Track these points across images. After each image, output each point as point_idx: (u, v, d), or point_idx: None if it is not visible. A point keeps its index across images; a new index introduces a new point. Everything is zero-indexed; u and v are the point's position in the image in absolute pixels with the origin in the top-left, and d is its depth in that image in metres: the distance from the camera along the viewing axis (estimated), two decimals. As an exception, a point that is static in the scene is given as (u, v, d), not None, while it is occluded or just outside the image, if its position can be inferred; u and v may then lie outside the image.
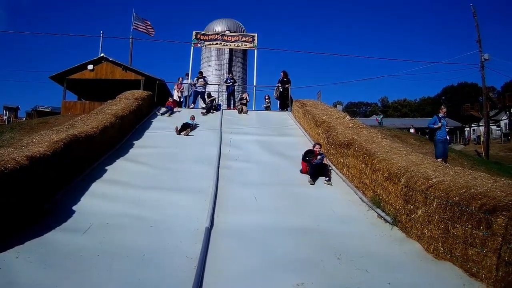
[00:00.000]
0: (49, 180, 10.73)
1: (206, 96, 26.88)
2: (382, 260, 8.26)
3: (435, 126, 17.57)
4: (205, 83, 25.74)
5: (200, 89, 25.55)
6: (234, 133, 20.16)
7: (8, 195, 8.57)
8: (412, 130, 32.19)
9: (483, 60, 40.90)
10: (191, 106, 25.81)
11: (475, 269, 7.17)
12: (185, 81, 29.28)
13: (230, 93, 30.27)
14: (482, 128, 68.66)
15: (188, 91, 28.80)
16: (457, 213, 7.61)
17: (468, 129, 79.00)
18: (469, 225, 7.30)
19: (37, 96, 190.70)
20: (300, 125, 22.33)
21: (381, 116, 31.91)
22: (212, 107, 25.40)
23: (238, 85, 36.77)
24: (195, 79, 26.30)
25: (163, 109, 25.11)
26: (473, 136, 74.14)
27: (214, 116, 24.30)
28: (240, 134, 20.13)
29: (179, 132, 19.66)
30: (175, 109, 25.56)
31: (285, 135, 20.62)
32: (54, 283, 6.95)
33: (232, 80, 27.93)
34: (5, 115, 67.21)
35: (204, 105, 26.96)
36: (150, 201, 11.39)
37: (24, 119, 59.75)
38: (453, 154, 20.05)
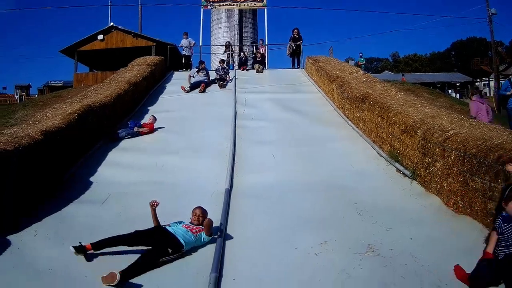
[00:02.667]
0: (65, 152, 10.70)
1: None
2: (403, 215, 8.20)
3: (508, 93, 14.99)
4: (207, 73, 22.46)
5: (203, 79, 21.85)
6: (248, 92, 20.03)
7: (24, 172, 8.55)
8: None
9: (490, 14, 40.39)
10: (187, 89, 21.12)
11: (495, 223, 7.09)
12: (183, 40, 28.84)
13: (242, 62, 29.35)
14: (492, 83, 68.09)
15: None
16: (475, 166, 7.49)
17: (478, 83, 78.03)
18: (488, 177, 7.16)
19: (48, 72, 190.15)
20: (314, 81, 22.17)
21: (363, 59, 30.25)
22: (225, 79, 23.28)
23: (251, 43, 36.52)
24: (195, 71, 22.63)
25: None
26: (484, 90, 73.39)
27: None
28: (254, 93, 20.02)
29: (189, 90, 20.69)
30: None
31: (300, 92, 20.46)
32: (73, 257, 6.91)
33: (224, 70, 23.59)
34: (17, 94, 67.18)
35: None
36: (167, 167, 11.35)
37: (36, 96, 59.66)
38: (466, 108, 19.71)
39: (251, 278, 6.35)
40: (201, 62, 23.23)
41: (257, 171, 10.97)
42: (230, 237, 7.62)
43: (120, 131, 10.82)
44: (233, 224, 8.13)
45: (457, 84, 71.39)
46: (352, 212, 8.41)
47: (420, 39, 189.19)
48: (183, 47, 28.78)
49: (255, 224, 8.18)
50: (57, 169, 10.07)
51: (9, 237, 7.38)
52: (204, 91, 20.13)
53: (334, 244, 7.11)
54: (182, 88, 20.68)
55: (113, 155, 12.31)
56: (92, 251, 6.82)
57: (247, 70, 26.68)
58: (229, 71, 24.84)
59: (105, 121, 14.10)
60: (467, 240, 6.98)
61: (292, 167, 11.12)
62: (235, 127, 14.55)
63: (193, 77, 21.81)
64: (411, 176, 9.91)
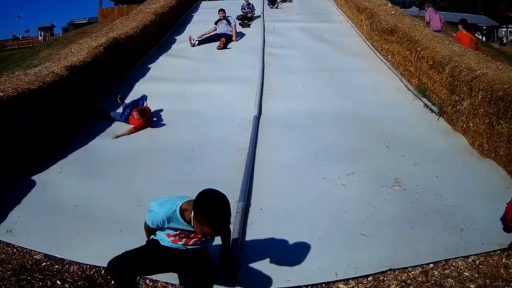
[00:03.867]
0: (91, 86, 10.76)
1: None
2: (429, 152, 8.15)
3: None
4: (229, 23, 17.73)
5: (224, 31, 17.17)
6: (276, 21, 19.90)
7: (50, 110, 8.61)
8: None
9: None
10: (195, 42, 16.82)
11: (519, 172, 7.04)
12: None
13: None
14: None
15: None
16: (502, 109, 7.35)
17: (505, 29, 76.41)
18: None
19: (72, 11, 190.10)
20: (343, 12, 21.80)
21: None
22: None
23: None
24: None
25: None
26: (510, 37, 71.89)
27: (256, 4, 23.14)
28: (282, 22, 19.87)
29: (198, 43, 16.81)
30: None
31: (328, 22, 20.16)
32: (99, 192, 6.99)
33: (249, 6, 20.78)
34: (40, 36, 67.10)
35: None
36: (196, 95, 11.36)
37: (60, 35, 59.54)
38: (492, 51, 19.43)
39: (278, 208, 6.41)
40: (221, 10, 17.99)
41: (286, 99, 10.96)
42: (258, 166, 7.67)
43: (112, 113, 10.11)
44: (260, 152, 8.19)
45: (484, 27, 69.89)
46: (379, 144, 8.42)
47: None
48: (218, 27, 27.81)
49: (283, 153, 8.23)
50: (83, 103, 10.15)
51: (34, 177, 7.47)
52: (224, 47, 16.31)
53: (361, 175, 7.16)
54: (190, 40, 16.52)
55: (139, 85, 12.34)
56: None
57: (277, 7, 24.28)
58: (254, 8, 21.15)
59: (132, 52, 14.09)
60: (490, 185, 6.92)
61: (320, 96, 11.09)
62: (263, 55, 14.52)
63: (215, 30, 17.36)
64: (438, 112, 9.83)
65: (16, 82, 8.28)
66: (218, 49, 15.79)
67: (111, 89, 11.82)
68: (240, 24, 19.13)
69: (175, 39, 17.67)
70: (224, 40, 16.23)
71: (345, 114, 9.98)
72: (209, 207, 3.64)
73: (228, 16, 17.59)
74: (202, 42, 16.63)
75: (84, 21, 62.13)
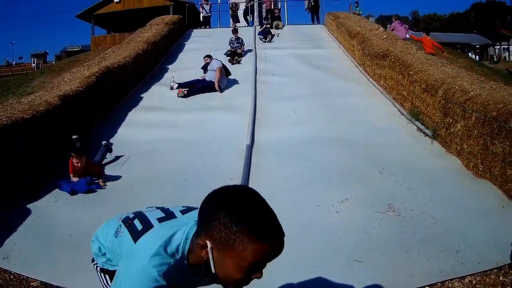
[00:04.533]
0: (84, 115, 10.77)
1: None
2: (423, 175, 8.17)
3: None
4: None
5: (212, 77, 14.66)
6: (268, 48, 20.03)
7: (43, 139, 8.68)
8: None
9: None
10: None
11: (514, 190, 7.07)
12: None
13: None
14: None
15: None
16: (496, 129, 7.38)
17: (498, 47, 77.07)
18: (508, 142, 7.07)
19: (65, 38, 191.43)
20: (334, 37, 21.95)
21: (359, 9, 28.67)
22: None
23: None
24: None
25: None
26: (503, 54, 72.35)
27: (247, 33, 23.76)
28: (274, 49, 19.94)
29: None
30: None
31: (320, 48, 20.26)
32: (95, 221, 6.89)
33: (238, 41, 19.61)
34: (34, 63, 67.35)
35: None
36: (188, 124, 11.43)
37: (53, 63, 59.69)
38: (485, 70, 19.60)
39: None
40: (207, 56, 16.05)
41: (278, 126, 11.00)
42: None
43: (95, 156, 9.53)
44: (254, 180, 8.15)
45: (477, 46, 70.47)
46: (373, 169, 8.43)
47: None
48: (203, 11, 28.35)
49: (277, 180, 8.20)
50: (77, 132, 10.01)
51: (30, 205, 7.46)
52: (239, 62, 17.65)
53: (355, 201, 7.15)
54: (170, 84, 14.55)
55: (132, 114, 12.38)
56: None
57: (270, 41, 22.37)
58: (244, 43, 19.58)
59: (125, 81, 14.13)
60: (486, 205, 6.95)
61: (313, 122, 11.11)
62: (255, 82, 14.58)
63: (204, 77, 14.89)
64: (431, 135, 9.89)
65: (10, 110, 8.36)
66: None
67: (103, 119, 11.82)
68: (229, 61, 17.76)
69: (168, 68, 17.68)
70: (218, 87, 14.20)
71: (339, 139, 9.99)
72: (254, 216, 2.15)
73: (214, 59, 15.07)
74: (192, 93, 13.94)
75: (77, 49, 62.21)
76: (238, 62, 17.90)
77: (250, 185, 7.77)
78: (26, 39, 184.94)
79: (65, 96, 9.93)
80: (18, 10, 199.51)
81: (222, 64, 14.75)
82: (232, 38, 19.41)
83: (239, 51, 18.77)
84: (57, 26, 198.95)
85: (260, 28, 23.82)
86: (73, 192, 7.90)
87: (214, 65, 14.47)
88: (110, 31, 40.49)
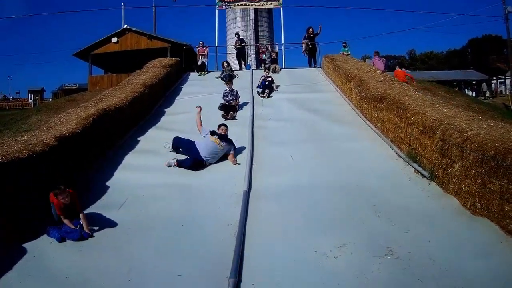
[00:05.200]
0: (80, 157, 10.73)
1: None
2: (421, 216, 8.22)
3: None
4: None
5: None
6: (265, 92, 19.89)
7: (38, 179, 8.59)
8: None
9: (506, 12, 40.50)
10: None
11: (511, 226, 7.05)
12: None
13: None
14: (508, 81, 67.64)
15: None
16: (493, 168, 7.42)
17: (495, 81, 77.70)
18: (506, 179, 7.09)
19: (62, 75, 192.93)
20: (331, 80, 22.09)
21: (347, 49, 28.15)
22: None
23: (267, 44, 36.47)
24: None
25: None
26: (500, 88, 72.82)
27: (245, 76, 23.98)
28: (272, 93, 20.01)
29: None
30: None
31: (317, 91, 20.40)
32: (91, 264, 6.99)
33: (232, 93, 17.77)
34: (31, 99, 67.98)
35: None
36: (185, 169, 11.32)
37: (50, 100, 60.08)
38: (482, 107, 19.80)
39: (270, 283, 6.36)
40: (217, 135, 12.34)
41: (276, 172, 10.95)
42: (249, 240, 7.59)
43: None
44: (251, 226, 8.12)
45: (473, 82, 71.01)
46: (370, 213, 8.44)
47: (437, 36, 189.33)
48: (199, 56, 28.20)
49: (274, 226, 8.17)
50: (72, 175, 10.01)
51: (25, 245, 7.44)
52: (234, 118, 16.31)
53: (353, 247, 7.13)
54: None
55: (129, 158, 12.34)
56: None
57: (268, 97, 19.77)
58: (239, 95, 17.66)
59: (122, 124, 14.12)
60: (484, 242, 7.02)
61: (310, 167, 11.11)
62: (252, 127, 14.58)
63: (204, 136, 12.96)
64: (429, 177, 9.92)
65: (5, 148, 8.34)
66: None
67: (101, 162, 11.77)
68: (223, 116, 16.13)
69: (164, 111, 17.74)
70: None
71: (336, 184, 9.99)
72: None
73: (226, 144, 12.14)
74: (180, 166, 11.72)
75: (74, 87, 62.55)
76: (233, 118, 16.30)
77: (247, 231, 7.85)
78: (23, 74, 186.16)
79: (61, 137, 9.90)
80: (16, 45, 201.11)
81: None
82: (226, 90, 17.65)
83: (233, 103, 17.17)
84: (55, 63, 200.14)
85: (260, 80, 20.73)
86: (62, 240, 7.77)
87: (205, 134, 12.35)
88: (107, 71, 40.63)
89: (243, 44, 29.81)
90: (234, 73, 22.41)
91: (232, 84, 17.96)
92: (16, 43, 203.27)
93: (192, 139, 12.36)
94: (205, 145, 11.88)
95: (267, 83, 20.33)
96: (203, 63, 27.15)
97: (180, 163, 11.51)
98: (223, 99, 17.18)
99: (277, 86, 21.01)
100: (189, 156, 11.67)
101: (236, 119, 16.21)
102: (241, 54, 29.69)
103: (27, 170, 8.24)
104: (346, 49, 28.84)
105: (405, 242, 7.15)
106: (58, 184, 8.19)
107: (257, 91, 19.96)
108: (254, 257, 7.04)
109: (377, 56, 26.31)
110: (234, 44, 27.79)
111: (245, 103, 17.98)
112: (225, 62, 23.39)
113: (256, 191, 9.86)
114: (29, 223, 7.99)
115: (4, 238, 7.35)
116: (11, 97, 79.67)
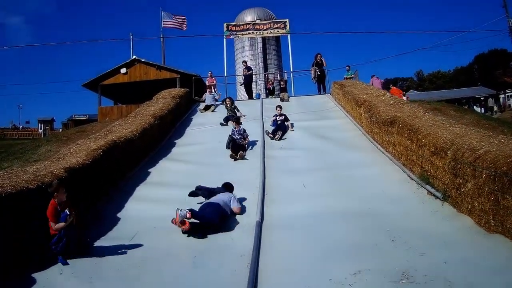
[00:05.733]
0: (90, 188, 10.66)
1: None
2: (435, 238, 8.16)
3: None
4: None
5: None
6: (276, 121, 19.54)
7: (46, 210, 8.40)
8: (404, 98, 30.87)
9: (510, 25, 40.56)
10: None
11: (526, 240, 6.98)
12: (206, 97, 26.89)
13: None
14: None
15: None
16: (506, 184, 7.38)
17: (502, 95, 77.68)
18: None
19: (72, 105, 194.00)
20: (341, 106, 22.10)
21: (351, 72, 27.54)
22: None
23: (275, 72, 36.60)
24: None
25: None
26: (508, 102, 72.67)
27: (255, 105, 24.09)
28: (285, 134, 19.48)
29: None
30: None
31: (327, 118, 20.37)
32: None
33: (239, 132, 16.35)
34: (40, 128, 68.11)
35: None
36: (197, 200, 11.18)
37: (60, 130, 60.28)
38: (492, 123, 19.70)
39: None
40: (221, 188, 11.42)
41: (288, 201, 10.88)
42: (262, 271, 7.50)
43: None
44: (265, 256, 8.06)
45: (482, 98, 70.91)
46: (385, 238, 8.37)
47: (443, 55, 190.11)
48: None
49: (288, 255, 8.11)
50: (82, 206, 9.85)
51: (34, 275, 7.38)
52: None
53: (368, 273, 7.04)
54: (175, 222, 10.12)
55: (140, 190, 12.29)
56: None
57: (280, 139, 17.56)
58: (247, 134, 16.47)
59: (132, 155, 14.11)
60: (500, 259, 7.01)
61: (323, 195, 11.01)
62: (264, 157, 14.50)
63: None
64: (442, 197, 9.88)
65: (14, 179, 8.35)
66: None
67: (111, 194, 11.72)
68: (231, 156, 15.19)
69: (175, 143, 17.70)
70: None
71: (349, 211, 9.92)
72: None
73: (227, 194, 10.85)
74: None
75: (84, 118, 62.90)
76: (243, 157, 15.20)
77: (260, 262, 7.77)
78: (33, 103, 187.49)
79: (71, 168, 9.90)
80: (26, 74, 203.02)
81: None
82: (233, 128, 16.53)
83: (242, 142, 16.09)
84: (65, 93, 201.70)
85: (271, 120, 19.20)
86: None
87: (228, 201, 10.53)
88: (117, 101, 40.68)
89: (250, 72, 29.60)
90: (238, 113, 20.24)
91: (240, 124, 16.68)
92: (26, 72, 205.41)
93: (204, 168, 12.44)
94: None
95: (279, 122, 18.43)
96: (209, 105, 25.71)
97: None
98: (232, 136, 16.05)
99: (292, 125, 18.68)
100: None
101: (246, 159, 15.12)
102: (249, 83, 29.45)
103: (36, 200, 8.17)
104: (349, 72, 29.04)
105: (421, 266, 7.08)
106: (49, 184, 8.35)
107: (266, 132, 17.92)
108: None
109: (375, 77, 28.82)
110: (242, 73, 27.53)
111: (256, 133, 17.81)
112: (228, 100, 22.28)
113: (269, 221, 9.80)
114: (39, 253, 7.93)
115: (14, 267, 7.33)
116: (20, 126, 79.78)
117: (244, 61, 29.35)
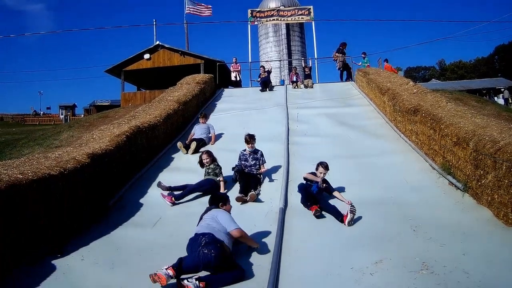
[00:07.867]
0: (113, 174, 10.70)
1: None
2: (455, 229, 8.18)
3: None
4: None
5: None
6: (300, 108, 19.85)
7: (70, 196, 8.55)
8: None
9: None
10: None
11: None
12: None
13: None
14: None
15: None
16: None
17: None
18: None
19: (94, 91, 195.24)
20: (365, 94, 22.00)
21: (366, 59, 26.88)
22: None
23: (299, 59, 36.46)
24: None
25: None
26: None
27: (279, 92, 24.03)
28: (306, 108, 19.83)
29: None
30: None
31: (351, 106, 20.29)
32: (123, 284, 6.86)
33: (256, 157, 11.81)
34: (62, 114, 68.18)
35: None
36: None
37: (82, 116, 60.44)
38: None
39: None
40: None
41: (312, 188, 10.83)
42: (285, 257, 7.57)
43: None
44: (288, 243, 8.11)
45: (502, 89, 70.13)
46: (406, 228, 8.40)
47: (465, 45, 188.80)
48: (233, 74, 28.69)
49: (310, 243, 8.18)
50: (104, 193, 10.09)
51: (54, 262, 7.40)
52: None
53: (389, 262, 7.09)
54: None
55: (163, 175, 12.28)
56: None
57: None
58: (265, 160, 11.82)
59: (155, 141, 14.16)
60: None
61: (347, 183, 11.03)
62: (288, 144, 14.43)
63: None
64: (463, 188, 9.87)
65: (36, 165, 8.29)
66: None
67: (134, 178, 11.82)
68: (238, 199, 10.32)
69: (199, 128, 17.44)
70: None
71: (372, 199, 9.95)
72: None
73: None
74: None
75: (107, 103, 63.11)
76: (255, 198, 10.51)
77: (282, 249, 7.84)
78: (54, 89, 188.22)
79: (94, 154, 9.86)
80: (47, 61, 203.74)
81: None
82: (244, 151, 12.02)
83: (256, 172, 11.63)
84: (87, 79, 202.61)
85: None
86: None
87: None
88: (140, 87, 40.80)
89: (265, 73, 26.95)
90: (219, 177, 11.44)
91: (254, 143, 11.95)
92: (47, 59, 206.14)
93: (228, 154, 12.95)
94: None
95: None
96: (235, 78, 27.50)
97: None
98: (241, 163, 11.81)
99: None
100: None
101: (260, 201, 10.61)
102: (265, 84, 28.31)
103: (57, 187, 8.15)
104: (365, 60, 28.67)
105: (440, 257, 7.09)
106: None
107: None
108: (290, 274, 7.02)
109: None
110: (258, 77, 26.95)
111: (281, 119, 17.80)
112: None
113: (292, 208, 9.80)
114: (61, 240, 7.97)
115: (34, 254, 7.32)
116: (41, 112, 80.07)
117: (262, 66, 28.97)
